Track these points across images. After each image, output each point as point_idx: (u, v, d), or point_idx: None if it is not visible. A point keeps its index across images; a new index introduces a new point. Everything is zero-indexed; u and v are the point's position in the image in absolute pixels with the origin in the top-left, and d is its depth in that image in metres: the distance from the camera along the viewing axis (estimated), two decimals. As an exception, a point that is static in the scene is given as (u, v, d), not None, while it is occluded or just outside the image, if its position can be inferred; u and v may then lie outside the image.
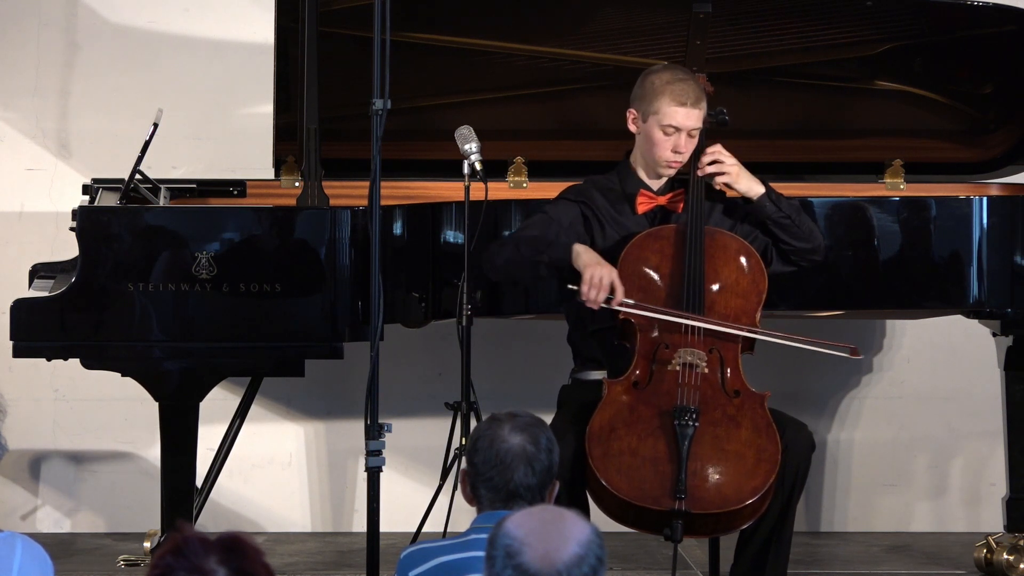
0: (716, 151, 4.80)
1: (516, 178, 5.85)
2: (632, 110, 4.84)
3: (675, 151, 4.78)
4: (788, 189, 5.70)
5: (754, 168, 5.16)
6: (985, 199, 5.39)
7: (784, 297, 5.25)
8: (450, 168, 5.35)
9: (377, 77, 4.53)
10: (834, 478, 6.54)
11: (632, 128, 4.85)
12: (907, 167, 5.90)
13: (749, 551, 4.66)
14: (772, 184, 4.89)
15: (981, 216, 5.34)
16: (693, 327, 4.60)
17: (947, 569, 5.92)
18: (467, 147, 5.02)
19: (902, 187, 5.88)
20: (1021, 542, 5.60)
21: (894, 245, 5.36)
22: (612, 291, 4.56)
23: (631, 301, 4.59)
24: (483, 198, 4.96)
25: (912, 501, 6.58)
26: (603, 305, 4.56)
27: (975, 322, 5.72)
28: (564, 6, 5.74)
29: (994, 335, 5.59)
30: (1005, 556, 5.60)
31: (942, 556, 6.11)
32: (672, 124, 4.76)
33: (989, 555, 5.64)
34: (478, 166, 5.00)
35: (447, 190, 5.69)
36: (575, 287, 4.57)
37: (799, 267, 4.91)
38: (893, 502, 6.57)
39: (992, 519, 6.17)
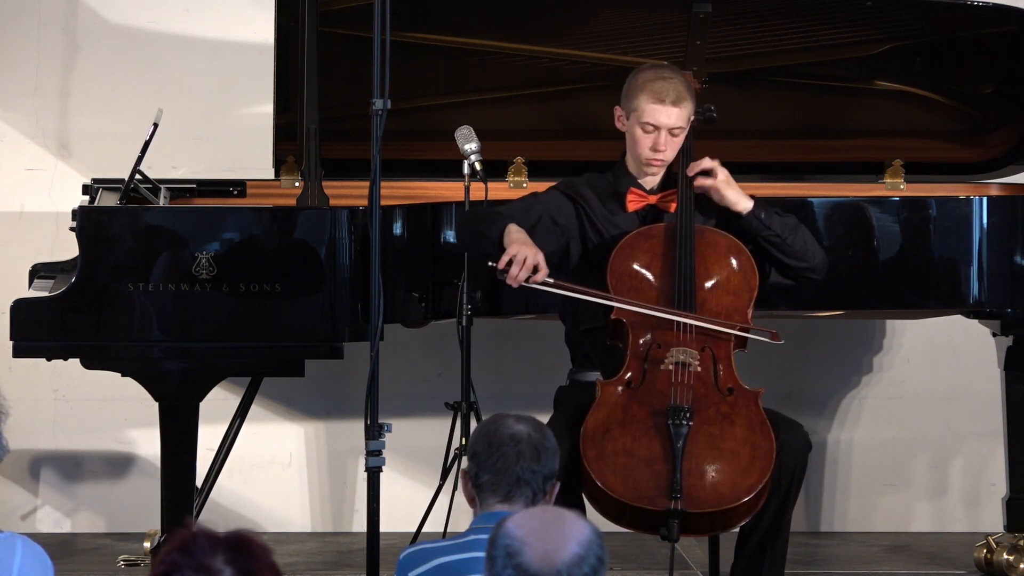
0: (711, 162, 4.77)
1: (516, 178, 5.85)
2: (618, 107, 4.83)
3: (654, 149, 4.74)
4: (788, 189, 5.71)
5: (754, 168, 5.18)
6: (985, 199, 5.39)
7: (784, 297, 5.24)
8: (450, 168, 5.35)
9: (377, 77, 4.53)
10: (834, 478, 6.54)
11: (619, 126, 4.82)
12: (907, 167, 5.89)
13: (746, 552, 4.65)
14: (772, 184, 4.88)
15: (981, 216, 5.34)
16: (684, 324, 4.58)
17: (947, 569, 5.92)
18: (467, 147, 5.03)
19: (902, 187, 5.87)
20: (1021, 542, 5.60)
21: (894, 245, 5.35)
22: (536, 271, 4.52)
23: (552, 280, 4.56)
24: (483, 198, 4.96)
25: (912, 501, 6.57)
26: (523, 283, 4.52)
27: (975, 322, 5.72)
28: (564, 6, 5.73)
29: (994, 335, 5.58)
30: (1005, 556, 5.60)
31: (942, 556, 6.11)
32: (650, 122, 4.72)
33: (989, 555, 5.64)
34: (478, 166, 5.01)
35: (447, 190, 5.68)
36: (494, 264, 4.53)
37: (796, 282, 4.86)
38: (893, 502, 6.56)
39: (992, 519, 6.17)
